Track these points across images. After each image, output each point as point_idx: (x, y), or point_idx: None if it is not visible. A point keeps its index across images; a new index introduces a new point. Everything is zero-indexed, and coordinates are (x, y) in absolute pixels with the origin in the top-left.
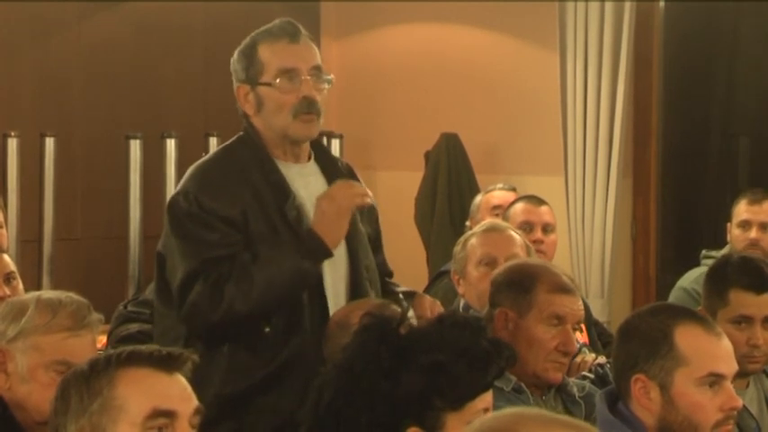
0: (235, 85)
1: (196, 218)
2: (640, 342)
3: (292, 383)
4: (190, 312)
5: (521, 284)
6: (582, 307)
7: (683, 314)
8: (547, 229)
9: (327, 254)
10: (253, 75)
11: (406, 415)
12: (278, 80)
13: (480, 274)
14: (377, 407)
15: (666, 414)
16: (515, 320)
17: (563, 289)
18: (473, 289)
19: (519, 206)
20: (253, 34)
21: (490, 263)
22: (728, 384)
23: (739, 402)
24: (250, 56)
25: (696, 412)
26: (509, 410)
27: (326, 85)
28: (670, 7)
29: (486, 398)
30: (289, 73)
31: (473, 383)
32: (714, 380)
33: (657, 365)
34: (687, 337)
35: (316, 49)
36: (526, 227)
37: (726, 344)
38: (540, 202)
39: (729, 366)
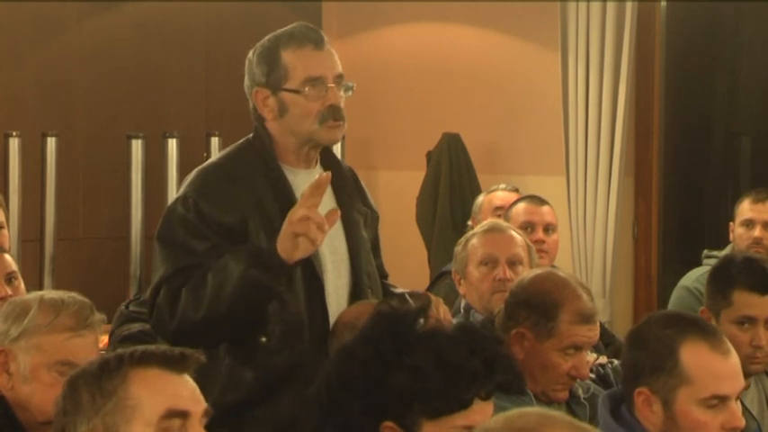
0: (251, 88)
1: (190, 224)
2: (647, 354)
3: (291, 393)
4: (155, 319)
5: (544, 311)
6: (598, 330)
7: (692, 329)
8: (548, 229)
9: (278, 264)
10: (275, 80)
11: (390, 408)
12: (306, 88)
13: (481, 274)
14: (370, 394)
15: (668, 429)
16: (532, 342)
17: (585, 319)
18: (474, 289)
19: (520, 206)
20: (271, 37)
21: (491, 263)
22: (732, 404)
23: (742, 422)
24: (272, 60)
25: (697, 430)
26: (535, 410)
27: (349, 93)
28: (671, 7)
29: (470, 416)
30: (315, 81)
31: (448, 399)
32: (717, 402)
33: (661, 381)
34: (693, 356)
35: (336, 55)
36: (528, 227)
37: (732, 362)
38: (542, 202)
39: (735, 386)
